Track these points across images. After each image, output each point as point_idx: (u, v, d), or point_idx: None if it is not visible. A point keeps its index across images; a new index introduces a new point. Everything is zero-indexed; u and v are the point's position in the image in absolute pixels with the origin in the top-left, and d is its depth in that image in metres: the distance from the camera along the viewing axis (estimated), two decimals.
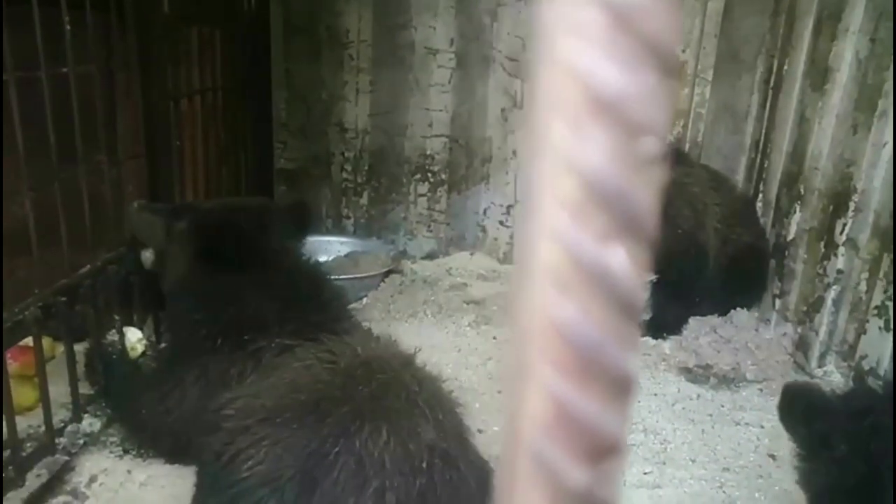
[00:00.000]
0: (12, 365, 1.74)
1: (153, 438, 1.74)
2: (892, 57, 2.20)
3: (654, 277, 2.86)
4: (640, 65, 0.17)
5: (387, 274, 3.06)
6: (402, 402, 1.31)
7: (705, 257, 2.81)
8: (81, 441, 1.86)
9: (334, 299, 1.73)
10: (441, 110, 3.27)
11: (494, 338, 2.62)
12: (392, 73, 3.25)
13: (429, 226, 3.42)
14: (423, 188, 3.39)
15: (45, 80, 1.79)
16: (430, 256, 3.41)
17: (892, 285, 2.19)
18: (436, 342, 2.48)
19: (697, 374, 2.50)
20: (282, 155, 3.38)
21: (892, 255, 2.22)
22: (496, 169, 3.36)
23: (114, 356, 1.98)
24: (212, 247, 1.72)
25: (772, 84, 2.99)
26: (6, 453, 1.70)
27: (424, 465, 1.27)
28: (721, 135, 3.18)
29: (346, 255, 3.15)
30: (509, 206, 3.38)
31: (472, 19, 3.19)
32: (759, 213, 3.01)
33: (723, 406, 2.28)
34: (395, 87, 3.26)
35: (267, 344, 1.54)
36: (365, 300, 2.86)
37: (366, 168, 3.39)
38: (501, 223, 3.40)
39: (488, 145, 3.34)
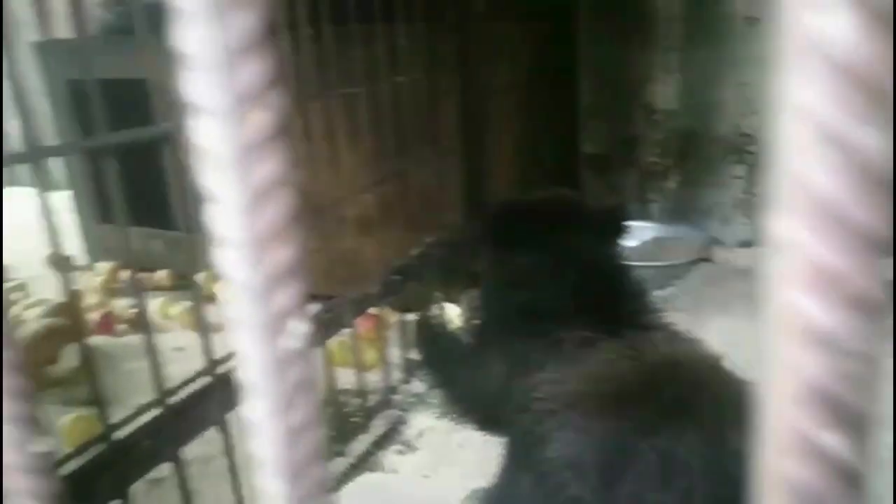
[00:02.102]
0: (360, 330, 2.09)
1: (465, 409, 1.93)
2: None
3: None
4: (856, 246, 0.21)
5: (696, 262, 2.91)
6: (708, 407, 1.25)
7: None
8: (411, 400, 2.16)
9: (639, 294, 1.70)
10: (761, 85, 2.98)
11: None
12: (705, 48, 3.04)
13: (745, 211, 3.15)
14: (740, 170, 3.13)
15: (386, 89, 2.09)
16: (747, 244, 3.14)
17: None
18: (750, 341, 2.28)
19: None
20: (587, 139, 3.41)
21: None
22: None
23: (434, 330, 2.23)
24: (518, 233, 1.79)
25: None
26: (357, 401, 2.05)
27: (733, 473, 1.20)
28: None
29: (651, 241, 3.08)
30: None
31: None
32: None
33: None
34: (708, 63, 3.05)
35: (569, 335, 1.58)
36: (671, 290, 2.76)
37: (675, 150, 3.24)
38: None
39: None
